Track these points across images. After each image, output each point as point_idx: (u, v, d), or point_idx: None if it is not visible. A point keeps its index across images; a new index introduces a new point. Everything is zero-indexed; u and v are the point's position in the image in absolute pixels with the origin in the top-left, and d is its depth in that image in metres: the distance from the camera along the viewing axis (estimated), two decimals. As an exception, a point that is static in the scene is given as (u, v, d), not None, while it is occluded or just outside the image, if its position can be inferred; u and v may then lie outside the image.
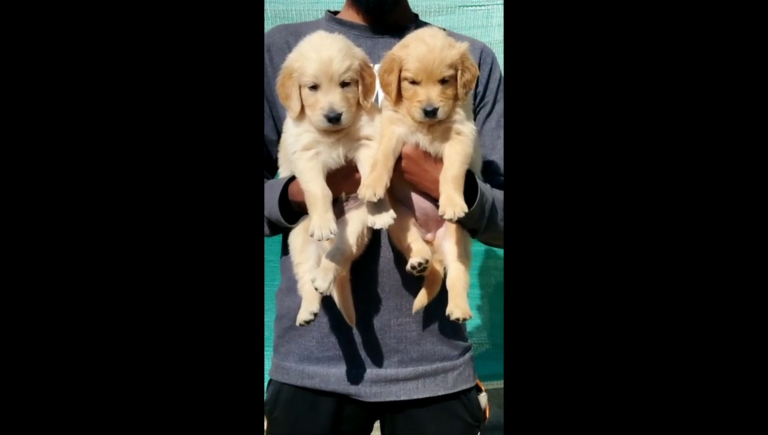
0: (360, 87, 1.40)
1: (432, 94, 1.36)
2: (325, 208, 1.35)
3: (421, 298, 1.52)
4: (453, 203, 1.35)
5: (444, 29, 1.50)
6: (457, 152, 1.40)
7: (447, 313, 1.42)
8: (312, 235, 1.34)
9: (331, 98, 1.35)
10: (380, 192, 1.34)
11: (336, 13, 1.71)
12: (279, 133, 1.60)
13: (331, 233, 1.32)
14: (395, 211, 1.40)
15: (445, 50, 1.37)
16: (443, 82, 1.37)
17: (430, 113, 1.36)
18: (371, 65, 1.44)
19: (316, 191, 1.36)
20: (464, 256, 1.48)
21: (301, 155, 1.40)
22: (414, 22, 1.68)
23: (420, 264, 1.42)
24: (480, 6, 2.71)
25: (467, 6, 2.71)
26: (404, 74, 1.39)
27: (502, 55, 1.22)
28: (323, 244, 1.41)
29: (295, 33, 1.57)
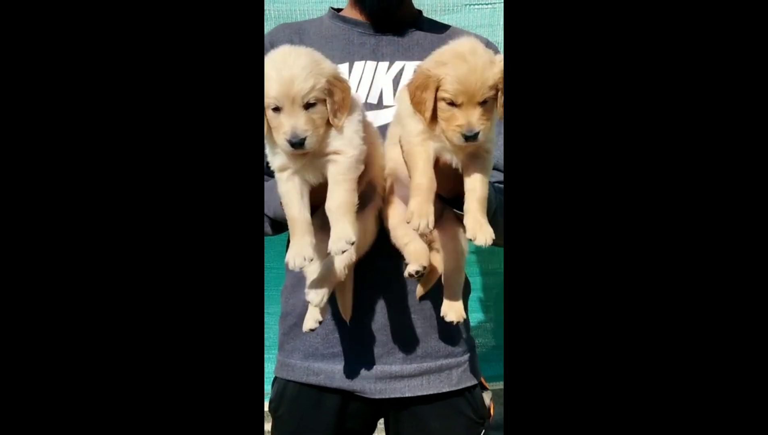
0: (328, 105, 1.28)
1: (473, 118, 1.27)
2: (302, 234, 1.29)
3: (421, 285, 1.53)
4: (483, 230, 1.29)
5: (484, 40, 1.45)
6: (482, 171, 1.34)
7: (441, 314, 1.42)
8: (287, 265, 1.27)
9: (294, 122, 1.24)
10: (431, 221, 1.28)
11: (339, 10, 1.71)
12: None
13: (305, 261, 1.25)
14: (394, 206, 1.37)
15: (486, 70, 1.27)
16: (483, 103, 1.28)
17: (470, 138, 1.27)
18: (343, 80, 1.34)
19: (294, 214, 1.30)
20: (460, 252, 1.46)
21: (280, 176, 1.32)
22: (418, 19, 1.67)
23: (418, 272, 1.40)
24: (486, 4, 2.70)
25: (473, 4, 2.70)
26: (441, 94, 1.29)
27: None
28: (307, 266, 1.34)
29: (299, 31, 1.57)
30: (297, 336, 1.60)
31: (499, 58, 1.30)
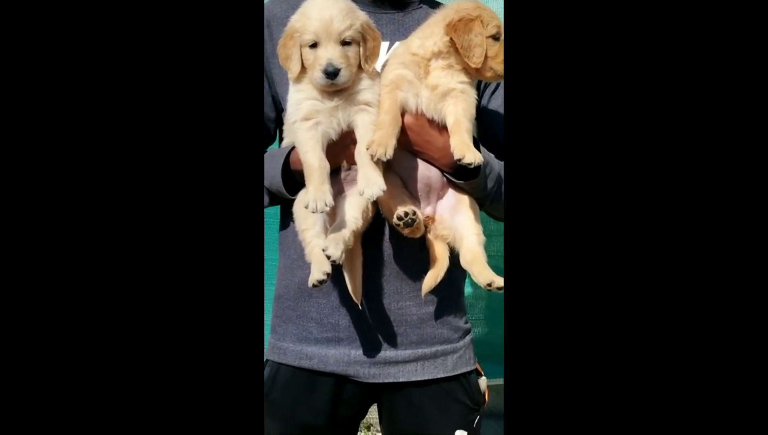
0: (362, 48, 1.38)
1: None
2: (321, 180, 1.33)
3: (429, 281, 1.50)
4: (471, 149, 1.33)
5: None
6: (464, 109, 1.39)
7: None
8: (307, 207, 1.32)
9: (330, 54, 1.34)
10: (390, 151, 1.32)
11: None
12: (278, 111, 1.59)
13: (326, 205, 1.31)
14: (386, 181, 1.36)
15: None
16: None
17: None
18: (376, 29, 1.42)
19: (312, 162, 1.35)
20: (479, 226, 1.47)
21: (301, 125, 1.39)
22: (418, -3, 1.65)
23: (406, 214, 1.38)
24: (487, -9, 2.67)
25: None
26: (489, 31, 1.40)
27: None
28: (327, 211, 1.41)
29: (296, 6, 1.54)
30: (290, 319, 1.58)
31: None
